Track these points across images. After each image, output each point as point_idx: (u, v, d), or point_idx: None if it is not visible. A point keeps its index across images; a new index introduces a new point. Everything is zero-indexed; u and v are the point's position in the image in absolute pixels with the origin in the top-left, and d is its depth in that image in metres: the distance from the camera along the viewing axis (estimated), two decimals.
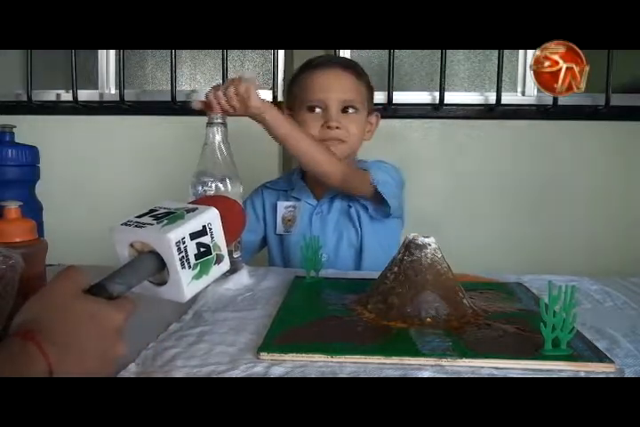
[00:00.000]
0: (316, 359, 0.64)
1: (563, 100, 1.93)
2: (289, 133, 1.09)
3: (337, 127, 1.23)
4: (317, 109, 1.25)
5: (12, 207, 0.74)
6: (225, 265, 0.59)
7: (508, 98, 2.03)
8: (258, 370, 0.62)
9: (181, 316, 0.80)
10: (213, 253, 0.57)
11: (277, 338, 0.70)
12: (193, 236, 0.54)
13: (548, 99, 1.99)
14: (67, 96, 2.17)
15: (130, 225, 0.55)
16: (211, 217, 0.57)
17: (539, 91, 2.14)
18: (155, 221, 0.54)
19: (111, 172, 2.17)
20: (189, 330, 0.74)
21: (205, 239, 0.56)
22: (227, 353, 0.67)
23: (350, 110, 1.26)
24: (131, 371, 0.61)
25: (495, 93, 1.97)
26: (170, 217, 0.55)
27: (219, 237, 0.57)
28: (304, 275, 0.99)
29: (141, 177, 2.14)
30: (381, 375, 0.61)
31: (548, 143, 2.07)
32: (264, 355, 0.65)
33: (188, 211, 0.56)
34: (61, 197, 1.94)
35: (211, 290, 0.92)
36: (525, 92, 2.16)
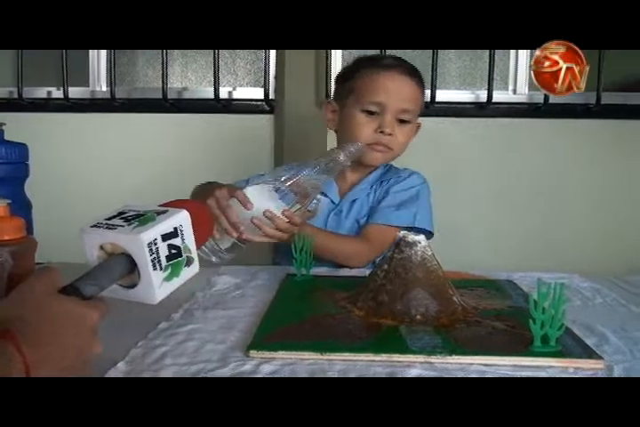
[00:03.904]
0: (305, 357, 0.64)
1: (554, 99, 1.93)
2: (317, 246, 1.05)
3: (390, 134, 1.21)
4: (374, 114, 1.22)
5: (1, 205, 0.74)
6: (195, 268, 0.59)
7: (499, 96, 2.03)
8: (247, 368, 0.62)
9: (171, 314, 0.79)
10: (184, 255, 0.57)
11: (267, 336, 0.69)
12: (164, 237, 0.54)
13: (539, 97, 1.99)
14: (58, 93, 2.16)
15: (100, 227, 0.54)
16: (181, 219, 0.57)
17: (530, 89, 2.16)
18: (125, 223, 0.54)
19: (102, 169, 2.15)
20: (179, 328, 0.74)
21: (176, 241, 0.56)
22: (216, 351, 0.67)
23: (404, 120, 1.23)
24: (119, 369, 0.61)
25: (486, 91, 1.97)
26: (140, 219, 0.55)
27: (189, 240, 0.57)
28: (295, 273, 0.98)
29: (132, 175, 2.13)
30: (370, 373, 0.61)
31: (538, 141, 2.07)
32: (253, 353, 0.65)
33: (159, 213, 0.56)
34: (51, 194, 1.93)
35: (201, 288, 0.92)
36: (517, 90, 2.16)
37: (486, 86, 1.97)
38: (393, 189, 1.27)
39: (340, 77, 1.34)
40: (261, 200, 0.93)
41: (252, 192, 0.93)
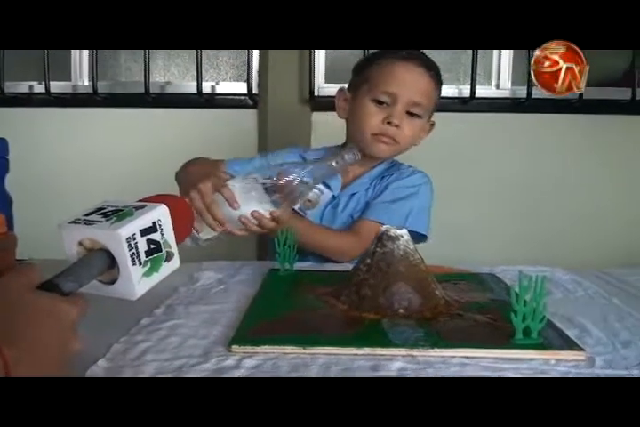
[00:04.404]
0: (288, 351, 0.64)
1: (537, 94, 1.93)
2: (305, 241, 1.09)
3: (397, 126, 1.19)
4: (384, 104, 1.19)
5: None
6: (175, 263, 0.58)
7: (482, 91, 2.03)
8: (229, 363, 0.62)
9: (153, 310, 0.79)
10: (164, 250, 0.56)
11: (250, 331, 0.69)
12: (143, 232, 0.54)
13: (521, 92, 2.00)
14: (39, 88, 2.13)
15: (78, 223, 0.54)
16: (160, 214, 0.56)
17: (513, 84, 2.17)
18: (104, 219, 0.54)
19: (84, 165, 2.13)
20: (161, 324, 0.74)
21: (155, 236, 0.55)
22: (199, 346, 0.67)
23: (414, 113, 1.21)
24: (101, 366, 0.61)
25: (469, 86, 1.97)
26: (118, 214, 0.54)
27: (169, 234, 0.57)
28: (279, 268, 0.98)
29: (114, 170, 2.11)
30: (354, 366, 0.61)
31: (521, 136, 2.08)
32: (236, 348, 0.64)
33: (137, 208, 0.56)
34: (32, 190, 1.92)
35: (184, 283, 0.91)
36: (500, 85, 2.16)
37: (469, 81, 1.97)
38: (392, 186, 1.26)
39: (356, 67, 1.32)
40: (248, 199, 0.92)
41: (239, 189, 0.92)
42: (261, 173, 0.95)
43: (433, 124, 1.30)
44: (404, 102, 1.18)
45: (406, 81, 1.19)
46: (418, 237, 1.21)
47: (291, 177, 0.94)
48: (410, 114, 1.20)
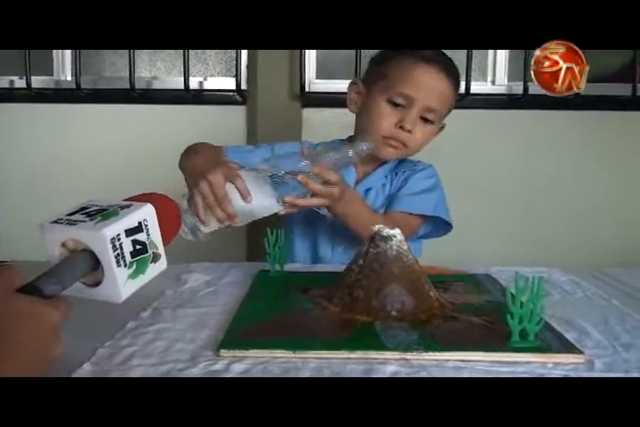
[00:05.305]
0: (278, 355, 0.62)
1: (533, 90, 1.91)
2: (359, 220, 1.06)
3: (409, 131, 1.15)
4: (399, 106, 1.15)
5: None
6: (162, 264, 0.57)
7: (477, 87, 2.02)
8: (218, 367, 0.60)
9: (139, 313, 0.77)
10: (150, 251, 0.55)
11: (239, 334, 0.68)
12: (128, 232, 0.52)
13: (518, 88, 1.99)
14: (20, 83, 2.10)
15: (61, 223, 0.52)
16: (146, 213, 0.55)
17: (509, 80, 2.15)
18: (87, 218, 0.52)
19: (67, 163, 2.10)
20: (147, 327, 0.72)
21: (141, 236, 0.54)
22: (186, 350, 0.65)
23: (427, 119, 1.17)
24: (85, 370, 0.59)
25: (465, 82, 1.95)
26: (103, 214, 0.53)
27: (155, 235, 0.55)
28: (269, 269, 0.97)
29: (99, 169, 2.08)
30: (345, 370, 0.60)
31: (517, 132, 2.07)
32: (224, 352, 0.63)
33: (122, 207, 0.54)
34: (16, 189, 1.89)
35: (171, 286, 0.89)
36: (495, 81, 2.15)
37: (464, 77, 1.95)
38: (413, 178, 1.25)
39: (374, 60, 1.27)
40: (258, 192, 0.89)
41: (250, 180, 0.89)
42: (270, 164, 0.92)
43: (443, 127, 1.27)
44: (419, 107, 1.15)
45: (425, 85, 1.15)
46: (445, 227, 1.23)
47: (303, 168, 0.91)
48: (423, 119, 1.17)
